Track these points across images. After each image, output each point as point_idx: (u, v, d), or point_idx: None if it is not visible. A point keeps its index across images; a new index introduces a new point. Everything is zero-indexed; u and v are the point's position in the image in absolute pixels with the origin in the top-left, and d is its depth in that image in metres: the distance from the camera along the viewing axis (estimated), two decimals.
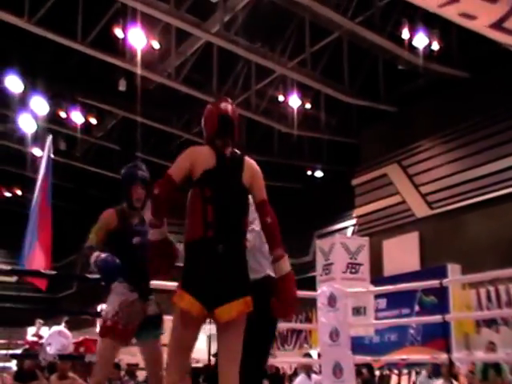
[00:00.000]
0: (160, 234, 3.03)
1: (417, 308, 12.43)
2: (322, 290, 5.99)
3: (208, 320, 3.01)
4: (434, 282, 5.42)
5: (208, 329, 3.39)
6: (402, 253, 14.05)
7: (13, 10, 11.45)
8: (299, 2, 11.59)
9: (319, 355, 6.42)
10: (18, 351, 8.17)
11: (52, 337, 6.59)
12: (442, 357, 5.78)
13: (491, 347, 8.51)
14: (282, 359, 13.24)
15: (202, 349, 4.62)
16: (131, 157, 13.55)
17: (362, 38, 12.80)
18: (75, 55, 13.37)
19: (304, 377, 8.36)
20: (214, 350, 3.23)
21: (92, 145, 18.10)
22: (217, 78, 13.65)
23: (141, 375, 9.86)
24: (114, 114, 16.26)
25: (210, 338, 4.49)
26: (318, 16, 12.29)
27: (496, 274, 6.84)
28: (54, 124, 16.03)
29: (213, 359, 4.00)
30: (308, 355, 10.25)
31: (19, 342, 10.24)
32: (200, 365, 5.79)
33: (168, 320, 3.30)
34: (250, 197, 3.10)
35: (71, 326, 9.36)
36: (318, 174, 18.46)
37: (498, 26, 4.39)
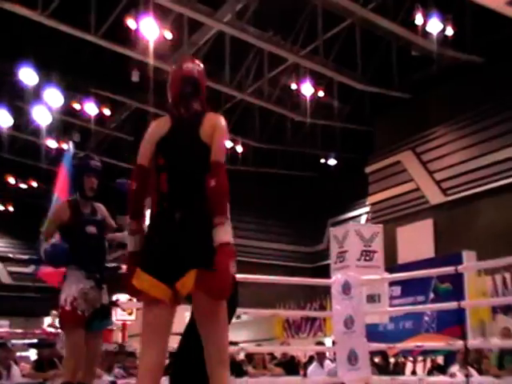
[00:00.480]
0: (136, 244, 2.69)
1: (432, 295, 12.40)
2: (337, 278, 6.01)
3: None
4: (450, 269, 5.40)
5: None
6: (416, 240, 14.02)
7: (26, 2, 11.51)
8: None
9: (333, 343, 6.45)
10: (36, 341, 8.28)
11: None
12: (458, 344, 5.78)
13: (507, 333, 8.47)
14: (297, 347, 13.29)
15: None
16: None
17: (374, 25, 12.71)
18: (88, 47, 13.42)
19: (317, 365, 8.41)
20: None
21: (106, 136, 18.20)
22: (229, 68, 13.64)
23: None
24: (127, 104, 16.32)
25: None
26: (330, 3, 12.22)
27: None
28: (68, 116, 16.15)
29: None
30: (321, 343, 10.30)
31: (37, 331, 10.38)
32: None
33: None
34: None
35: None
36: (332, 161, 18.43)
37: None
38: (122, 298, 7.84)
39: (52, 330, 9.20)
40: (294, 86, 14.89)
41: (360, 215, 17.92)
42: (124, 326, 8.76)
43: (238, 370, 7.42)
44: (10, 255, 15.90)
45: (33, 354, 10.12)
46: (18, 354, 6.67)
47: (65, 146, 16.61)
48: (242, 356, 9.43)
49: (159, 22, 12.42)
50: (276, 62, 14.22)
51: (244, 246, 16.97)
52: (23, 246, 22.67)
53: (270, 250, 19.53)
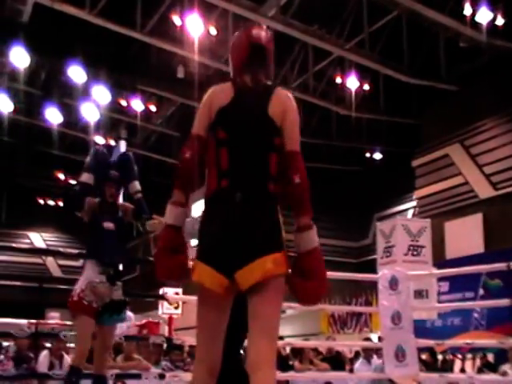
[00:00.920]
0: (177, 217, 2.39)
1: (481, 291, 12.16)
2: (383, 273, 5.95)
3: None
4: (501, 265, 5.31)
5: None
6: (465, 235, 13.75)
7: (75, 2, 11.80)
8: None
9: (380, 339, 6.39)
10: None
11: None
12: (510, 342, 5.66)
13: None
14: (343, 342, 13.21)
15: None
16: None
17: (421, 16, 12.48)
18: (134, 44, 13.64)
19: (364, 361, 8.34)
20: None
21: (152, 132, 18.46)
22: (274, 62, 13.60)
23: None
24: (172, 100, 16.50)
25: None
26: None
27: None
28: (115, 112, 16.46)
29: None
30: (368, 340, 10.21)
31: None
32: None
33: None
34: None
35: (135, 309, 9.65)
36: (377, 155, 18.22)
37: None
38: (170, 291, 7.96)
39: None
40: (339, 80, 14.77)
41: (406, 210, 17.66)
42: (170, 320, 8.89)
43: (283, 364, 7.44)
44: (61, 249, 16.33)
45: None
46: (69, 344, 6.88)
47: (112, 142, 16.99)
48: (287, 350, 9.45)
49: (204, 18, 12.51)
50: (321, 56, 14.14)
51: (289, 240, 16.94)
52: (73, 240, 23.28)
53: None
